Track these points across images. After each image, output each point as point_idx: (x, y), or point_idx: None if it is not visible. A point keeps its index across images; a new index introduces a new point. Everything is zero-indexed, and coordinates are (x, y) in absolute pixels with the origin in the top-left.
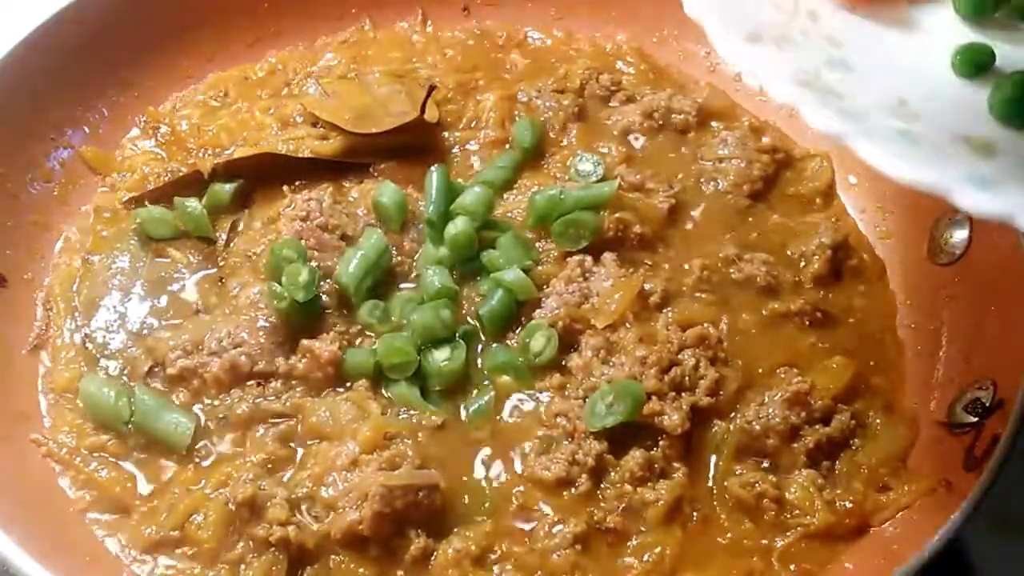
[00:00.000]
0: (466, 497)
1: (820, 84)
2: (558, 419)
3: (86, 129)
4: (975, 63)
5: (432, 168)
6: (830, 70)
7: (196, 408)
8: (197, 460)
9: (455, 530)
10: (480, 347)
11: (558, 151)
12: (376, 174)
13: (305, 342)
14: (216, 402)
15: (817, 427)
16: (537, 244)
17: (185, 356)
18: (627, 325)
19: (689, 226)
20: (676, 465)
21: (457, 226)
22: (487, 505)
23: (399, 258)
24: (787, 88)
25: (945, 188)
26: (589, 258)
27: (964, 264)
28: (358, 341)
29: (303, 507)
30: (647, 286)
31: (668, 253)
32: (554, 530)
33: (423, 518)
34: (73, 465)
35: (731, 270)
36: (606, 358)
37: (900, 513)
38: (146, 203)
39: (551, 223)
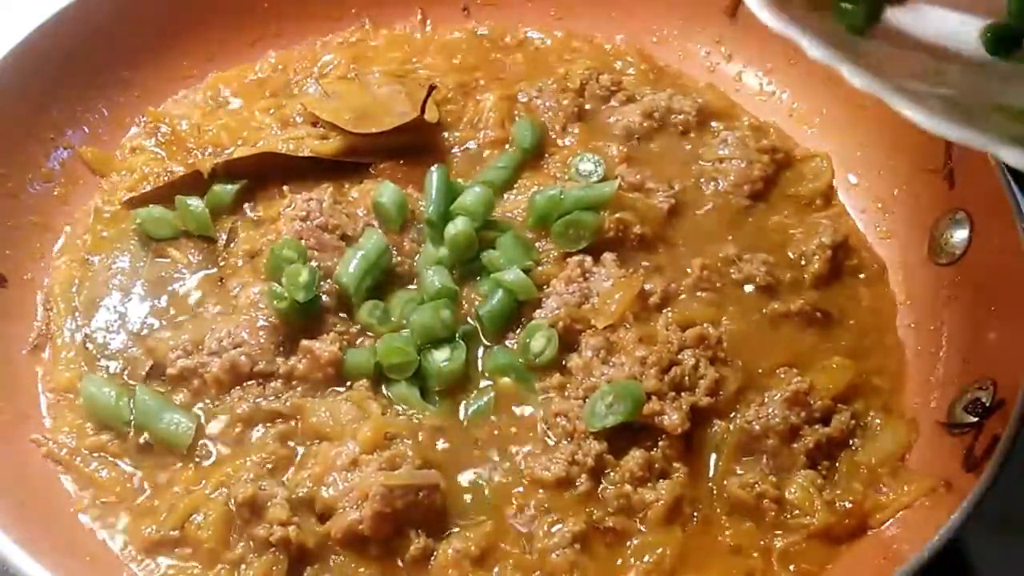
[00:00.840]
0: (466, 497)
1: (855, 48)
2: (558, 419)
3: (86, 129)
4: (1005, 41)
5: (432, 168)
6: (866, 38)
7: (196, 408)
8: (197, 460)
9: (455, 530)
10: (481, 348)
11: (558, 151)
12: (376, 174)
13: (305, 342)
14: (216, 402)
15: (817, 427)
16: (537, 244)
17: (185, 356)
18: (627, 325)
19: (689, 226)
20: (676, 465)
21: (457, 226)
22: (487, 505)
23: (399, 258)
24: (824, 48)
25: (986, 143)
26: (589, 258)
27: (964, 264)
28: (358, 341)
29: (303, 507)
30: (647, 286)
31: (668, 253)
32: (553, 530)
33: (423, 518)
34: (73, 465)
35: (731, 270)
36: (606, 358)
37: (900, 513)
38: (146, 203)
39: (551, 223)
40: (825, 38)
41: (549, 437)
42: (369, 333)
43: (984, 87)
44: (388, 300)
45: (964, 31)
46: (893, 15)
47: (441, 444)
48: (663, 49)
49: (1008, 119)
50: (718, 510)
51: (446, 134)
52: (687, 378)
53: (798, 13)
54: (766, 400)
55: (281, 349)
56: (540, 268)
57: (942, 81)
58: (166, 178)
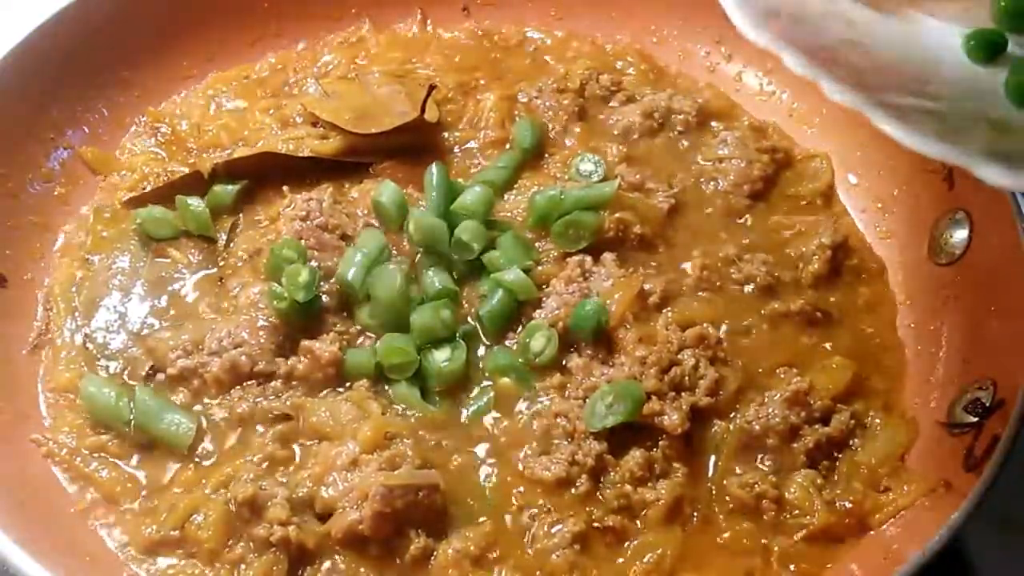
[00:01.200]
0: (466, 497)
1: (837, 60)
2: (558, 419)
3: (86, 129)
4: (987, 47)
5: (431, 166)
6: (847, 49)
7: (196, 408)
8: (197, 460)
9: (455, 530)
10: (481, 348)
11: (558, 151)
12: (376, 174)
13: (305, 343)
14: (216, 402)
15: (817, 427)
16: (537, 244)
17: (185, 356)
18: (627, 325)
19: (689, 226)
20: (676, 465)
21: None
22: (487, 505)
23: (399, 258)
24: (804, 61)
25: (965, 160)
26: (589, 258)
27: (964, 264)
28: (358, 341)
29: (303, 507)
30: (647, 286)
31: (668, 253)
32: (553, 530)
33: (423, 518)
34: (73, 465)
35: (731, 270)
36: (606, 358)
37: (900, 513)
38: (146, 203)
39: (551, 223)
40: (807, 52)
41: (549, 437)
42: (369, 333)
43: (967, 97)
44: None
45: (948, 41)
46: (877, 25)
47: (441, 444)
48: (663, 49)
49: (991, 130)
50: (718, 510)
51: (446, 134)
52: (687, 378)
53: (782, 26)
54: (766, 400)
55: (281, 349)
56: (540, 268)
57: (925, 92)
58: (166, 178)
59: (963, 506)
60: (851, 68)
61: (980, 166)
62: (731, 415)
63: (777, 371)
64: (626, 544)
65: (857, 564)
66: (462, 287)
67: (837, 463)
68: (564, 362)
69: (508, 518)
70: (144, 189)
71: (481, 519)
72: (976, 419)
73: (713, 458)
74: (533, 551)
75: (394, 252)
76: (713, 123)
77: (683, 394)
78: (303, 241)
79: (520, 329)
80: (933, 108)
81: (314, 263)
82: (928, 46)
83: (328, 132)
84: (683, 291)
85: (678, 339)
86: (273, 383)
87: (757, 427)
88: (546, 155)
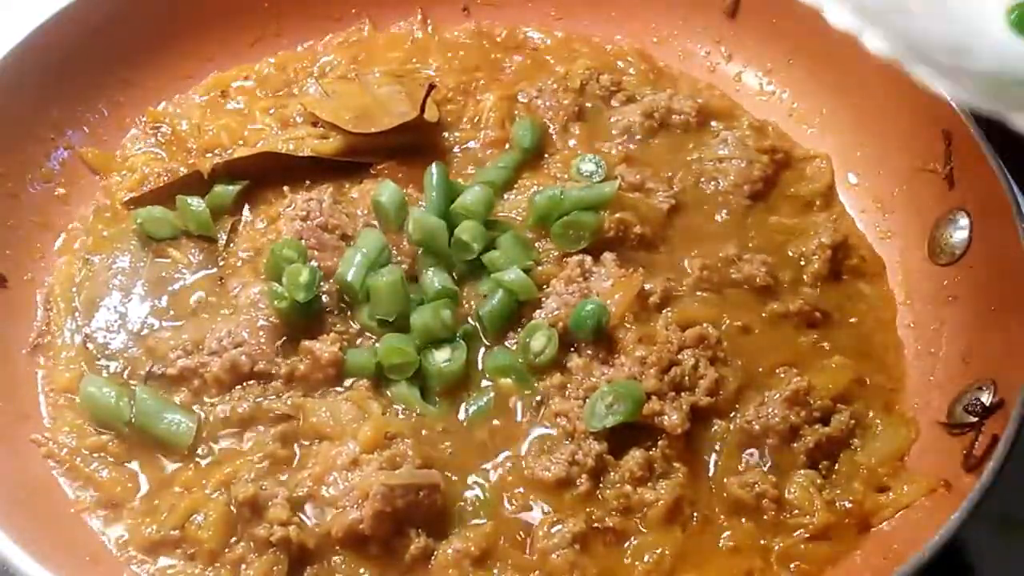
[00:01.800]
0: (466, 497)
1: (880, 22)
2: (558, 419)
3: (86, 129)
4: None
5: (431, 166)
6: (891, 11)
7: (196, 408)
8: (198, 460)
9: (455, 530)
10: (481, 348)
11: (558, 151)
12: (376, 174)
13: (306, 343)
14: (217, 402)
15: (817, 427)
16: (537, 244)
17: (185, 356)
18: (627, 325)
19: (689, 226)
20: (676, 465)
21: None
22: (487, 505)
23: (399, 258)
24: (847, 14)
25: (1001, 111)
26: (589, 258)
27: (964, 264)
28: (358, 341)
29: (304, 506)
30: (647, 286)
31: (668, 253)
32: (553, 530)
33: (423, 518)
34: (73, 465)
35: (731, 270)
36: (606, 358)
37: (900, 513)
38: (146, 203)
39: (551, 223)
40: (852, 8)
41: (549, 437)
42: (369, 333)
43: (1008, 67)
44: None
45: (991, 11)
46: None
47: (441, 444)
48: (663, 49)
49: None
50: (718, 510)
51: (446, 134)
52: (687, 378)
53: None
54: (766, 400)
55: (281, 349)
56: (540, 268)
57: (966, 58)
58: (166, 178)
59: (963, 506)
60: (894, 30)
61: (1016, 115)
62: (731, 415)
63: (777, 371)
64: (626, 544)
65: (857, 564)
66: (462, 287)
67: (837, 463)
68: (564, 362)
69: (508, 518)
70: (144, 189)
71: (481, 519)
72: (976, 419)
73: (713, 458)
74: (533, 551)
75: (394, 252)
76: (713, 123)
77: (683, 394)
78: (303, 241)
79: (520, 329)
80: (972, 70)
81: (314, 263)
82: (971, 16)
83: (328, 132)
84: (683, 291)
85: (678, 339)
86: (273, 383)
87: (757, 427)
88: (546, 155)
